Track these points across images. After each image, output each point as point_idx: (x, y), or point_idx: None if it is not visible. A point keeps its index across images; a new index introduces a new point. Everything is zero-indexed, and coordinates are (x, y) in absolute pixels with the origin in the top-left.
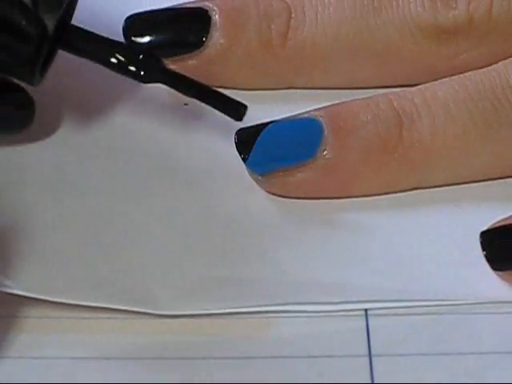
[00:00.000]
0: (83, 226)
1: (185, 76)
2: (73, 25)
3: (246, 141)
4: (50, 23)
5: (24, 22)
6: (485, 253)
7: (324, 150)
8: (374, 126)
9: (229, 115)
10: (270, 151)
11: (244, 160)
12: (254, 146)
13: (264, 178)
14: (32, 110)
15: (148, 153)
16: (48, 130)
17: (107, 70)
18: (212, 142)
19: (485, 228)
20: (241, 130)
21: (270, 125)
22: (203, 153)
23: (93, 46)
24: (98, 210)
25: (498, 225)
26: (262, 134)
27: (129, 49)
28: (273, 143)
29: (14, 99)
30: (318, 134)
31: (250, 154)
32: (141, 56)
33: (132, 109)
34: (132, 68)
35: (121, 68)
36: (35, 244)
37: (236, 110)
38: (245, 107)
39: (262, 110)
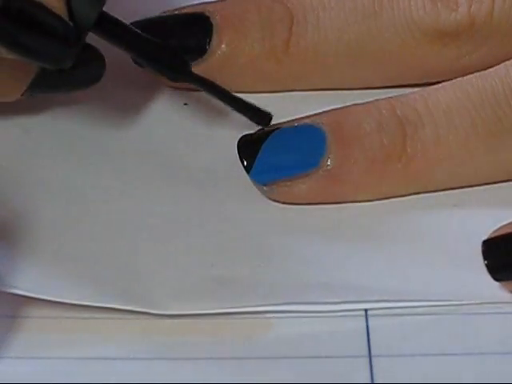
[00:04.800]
0: (83, 227)
1: (210, 81)
2: (105, 13)
3: (249, 152)
4: (86, 24)
5: (57, 29)
6: (486, 262)
7: (327, 160)
8: (378, 135)
9: (252, 120)
10: (272, 162)
11: (247, 171)
12: (257, 158)
13: (267, 187)
14: (102, 64)
15: (147, 153)
16: (48, 131)
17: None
18: (212, 141)
19: (486, 236)
20: (242, 140)
21: (272, 135)
22: (203, 153)
23: (128, 36)
24: (97, 210)
25: (498, 233)
26: (263, 144)
27: (161, 44)
28: (275, 154)
29: (86, 54)
30: (321, 144)
31: (253, 166)
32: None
33: (131, 109)
34: (165, 64)
35: (155, 62)
36: (35, 244)
37: (260, 117)
38: (268, 114)
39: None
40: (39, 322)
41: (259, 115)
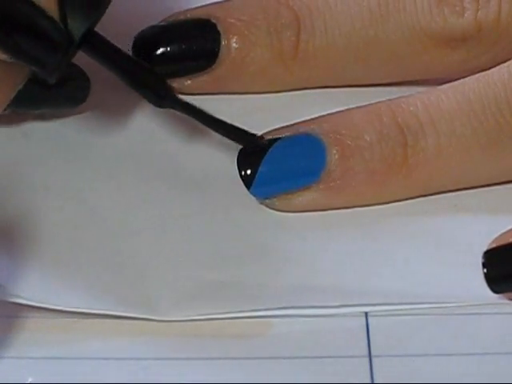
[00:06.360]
0: (82, 233)
1: (195, 107)
2: (96, 31)
3: (248, 167)
4: (77, 32)
5: (50, 32)
6: (485, 271)
7: (328, 173)
8: (378, 146)
9: (238, 143)
10: (271, 177)
11: (247, 187)
12: (256, 174)
13: (268, 200)
14: (87, 85)
15: (147, 156)
16: (47, 136)
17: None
18: (211, 143)
19: (485, 238)
20: (241, 155)
21: (271, 149)
22: (202, 156)
23: (115, 56)
24: (96, 215)
25: (497, 244)
26: (263, 160)
27: (148, 69)
28: (275, 168)
29: (72, 73)
30: (321, 157)
31: (253, 182)
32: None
33: (130, 112)
34: (149, 89)
35: (138, 86)
36: (35, 251)
37: (244, 139)
38: (253, 136)
39: (265, 115)
40: (39, 321)
41: (245, 138)
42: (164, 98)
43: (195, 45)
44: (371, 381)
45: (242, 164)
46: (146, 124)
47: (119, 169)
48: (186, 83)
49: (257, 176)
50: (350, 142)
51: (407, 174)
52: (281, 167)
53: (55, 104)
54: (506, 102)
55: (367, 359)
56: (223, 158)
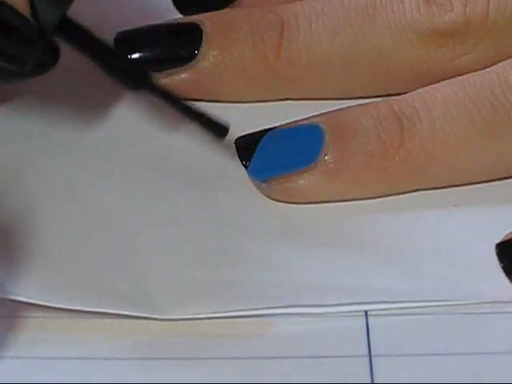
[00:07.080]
0: (83, 231)
1: (172, 94)
2: (70, 18)
3: (247, 148)
4: (49, 24)
5: (23, 30)
6: (502, 265)
7: (325, 156)
8: (375, 130)
9: (212, 135)
10: (271, 158)
11: (245, 167)
12: (255, 153)
13: (265, 184)
14: (56, 54)
15: (148, 155)
16: (49, 135)
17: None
18: (213, 143)
19: (485, 236)
20: (241, 136)
21: (271, 131)
22: (204, 155)
23: (90, 42)
24: (97, 214)
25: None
26: (262, 140)
27: (124, 56)
28: (274, 149)
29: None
30: (319, 140)
31: (251, 161)
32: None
33: (132, 112)
34: (126, 73)
35: (112, 69)
36: (36, 250)
37: (218, 131)
38: (226, 130)
39: (259, 123)
40: (39, 321)
41: (217, 128)
42: (140, 83)
43: (178, 43)
44: (371, 381)
45: (240, 147)
46: (147, 123)
47: (121, 168)
48: (164, 80)
49: (254, 158)
50: (347, 126)
51: (405, 156)
52: (278, 148)
53: (26, 76)
54: (500, 88)
55: (367, 359)
56: (224, 154)
